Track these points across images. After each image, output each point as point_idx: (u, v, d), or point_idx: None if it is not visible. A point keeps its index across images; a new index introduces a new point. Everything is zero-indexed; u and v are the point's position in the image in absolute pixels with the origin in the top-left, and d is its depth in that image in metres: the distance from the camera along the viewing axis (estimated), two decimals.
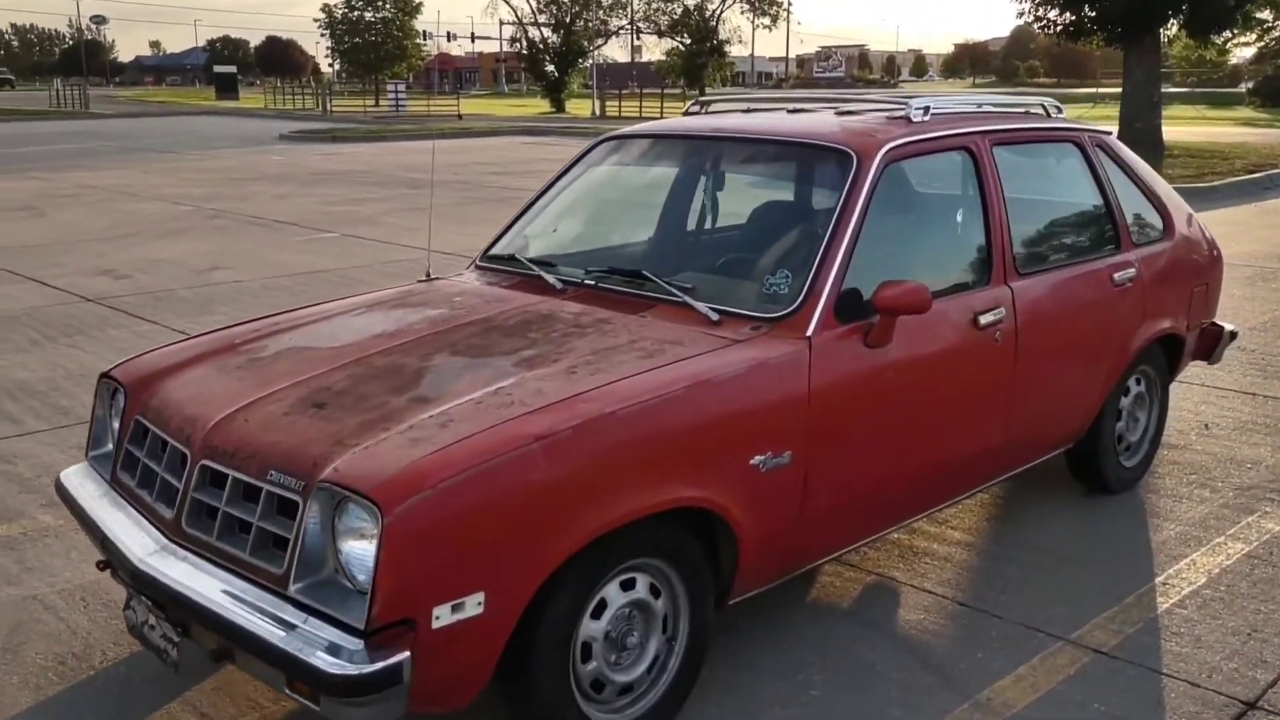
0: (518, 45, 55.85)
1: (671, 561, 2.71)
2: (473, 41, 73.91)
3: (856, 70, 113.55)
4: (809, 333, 2.94)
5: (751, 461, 2.76)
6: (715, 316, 3.02)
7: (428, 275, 3.81)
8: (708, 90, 55.34)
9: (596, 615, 2.58)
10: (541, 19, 53.13)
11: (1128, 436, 4.40)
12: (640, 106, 41.23)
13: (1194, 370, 5.88)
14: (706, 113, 4.23)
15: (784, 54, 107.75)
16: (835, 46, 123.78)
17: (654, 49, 64.97)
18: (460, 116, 38.68)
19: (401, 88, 43.22)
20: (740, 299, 3.12)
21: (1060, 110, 4.27)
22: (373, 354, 2.93)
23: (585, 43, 53.25)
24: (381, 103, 42.69)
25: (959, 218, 3.72)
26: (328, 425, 2.51)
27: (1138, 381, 4.40)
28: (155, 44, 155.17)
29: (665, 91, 45.97)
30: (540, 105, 52.37)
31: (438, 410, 2.51)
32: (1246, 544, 3.95)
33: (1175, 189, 4.82)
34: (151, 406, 2.87)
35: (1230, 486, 4.49)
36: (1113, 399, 4.19)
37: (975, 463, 3.59)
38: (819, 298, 3.00)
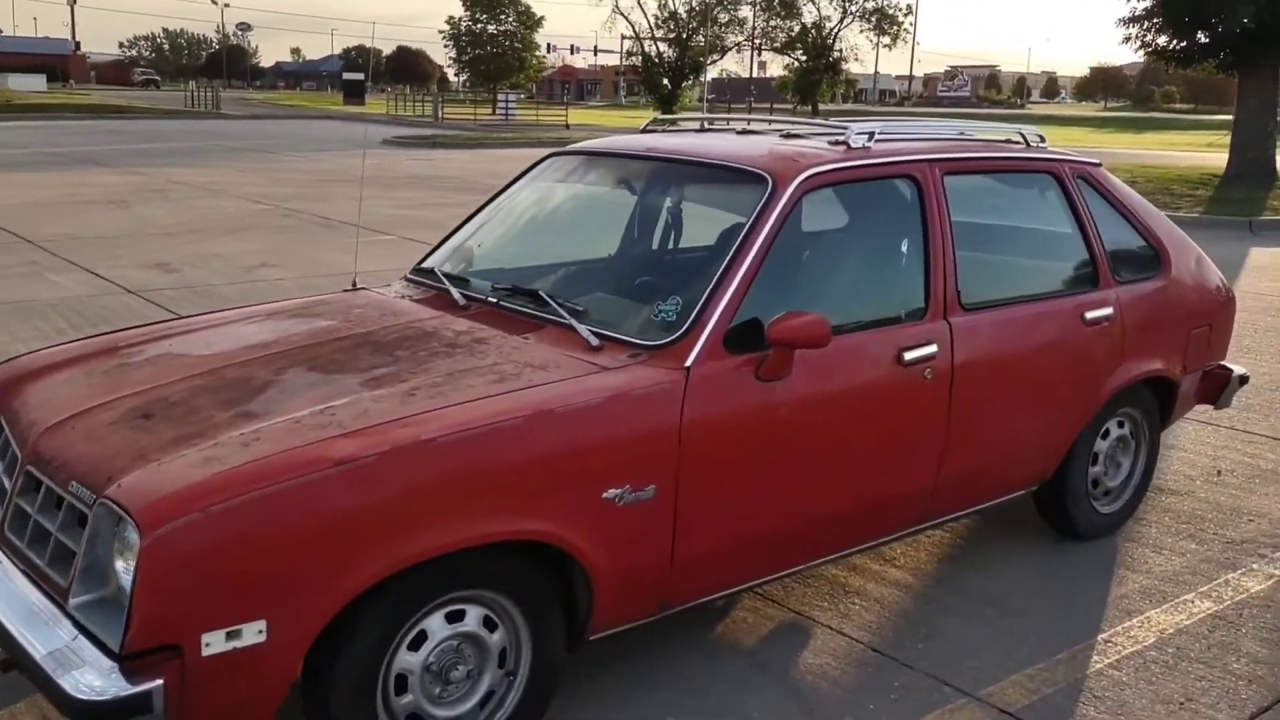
0: (636, 59, 56.24)
1: (510, 595, 2.58)
2: (595, 55, 74.63)
3: (983, 90, 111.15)
4: (688, 363, 2.78)
5: (605, 495, 2.61)
6: (596, 342, 2.88)
7: (353, 285, 3.76)
8: (821, 107, 54.85)
9: (415, 647, 2.46)
10: (659, 34, 53.45)
11: (1105, 482, 4.10)
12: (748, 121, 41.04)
13: (1225, 413, 5.52)
14: (662, 131, 4.10)
15: (908, 72, 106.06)
16: (963, 67, 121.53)
17: (777, 64, 64.68)
18: (568, 126, 39.09)
19: (512, 97, 43.85)
20: (628, 324, 2.97)
21: (1043, 140, 4.01)
22: (229, 365, 2.87)
23: (701, 58, 53.31)
24: (494, 111, 43.33)
25: (896, 249, 3.51)
26: (143, 437, 2.45)
27: (1120, 424, 4.10)
28: (295, 50, 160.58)
29: (774, 106, 45.66)
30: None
31: (251, 428, 2.43)
32: (1216, 603, 3.63)
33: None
34: (12, 407, 2.87)
35: (1221, 539, 4.15)
36: (1084, 442, 3.90)
37: (898, 504, 3.36)
38: (704, 327, 2.83)
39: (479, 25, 59.34)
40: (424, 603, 2.43)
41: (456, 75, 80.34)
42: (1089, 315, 3.75)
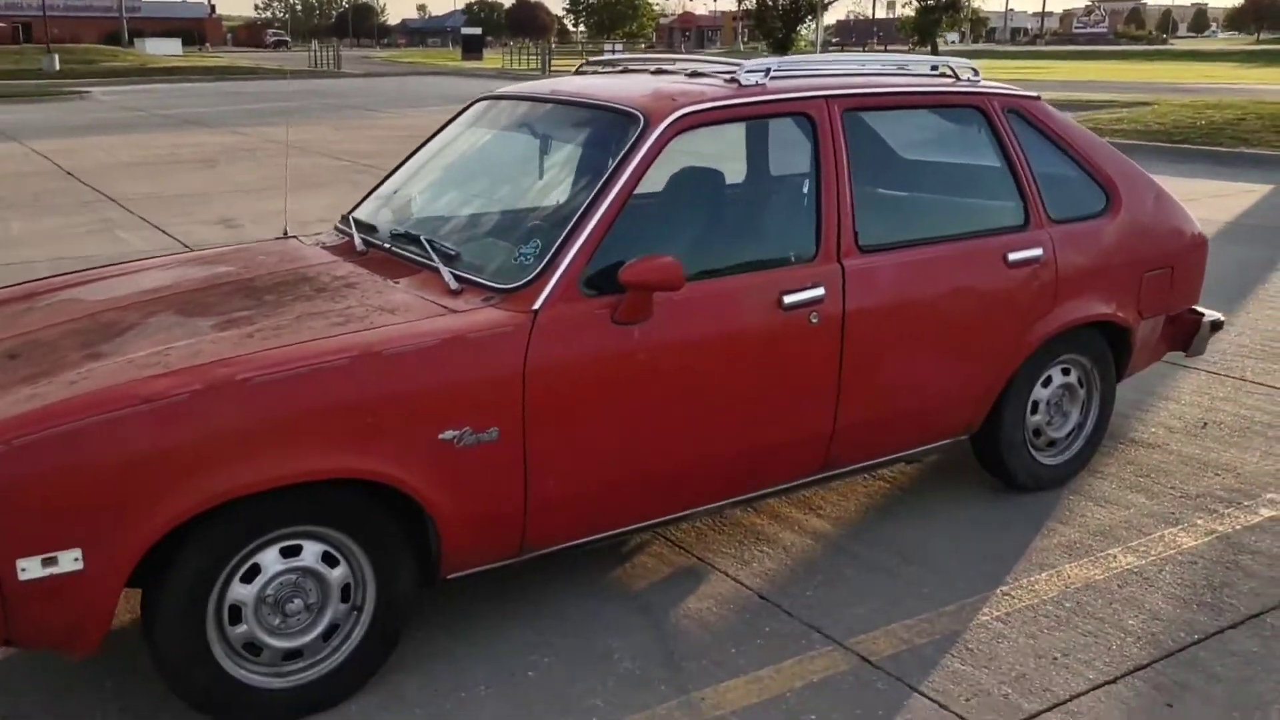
0: (751, 2, 55.39)
1: (348, 532, 2.67)
2: (714, 1, 73.61)
3: (1121, 26, 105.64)
4: (536, 305, 2.81)
5: (442, 436, 2.67)
6: (456, 285, 2.95)
7: (284, 233, 3.89)
8: (940, 48, 53.07)
9: (248, 579, 2.58)
10: None
11: (1049, 431, 3.98)
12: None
13: (1237, 364, 5.29)
14: (592, 72, 4.09)
15: (1041, 9, 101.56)
16: (1104, 1, 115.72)
17: (912, 4, 62.60)
18: None
19: (618, 46, 43.69)
20: (490, 268, 3.02)
21: (976, 74, 3.86)
22: (110, 310, 3.02)
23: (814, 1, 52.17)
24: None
25: (787, 189, 3.45)
26: (1, 377, 2.62)
27: (1065, 372, 3.96)
28: (421, 8, 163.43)
29: (888, 49, 44.44)
30: None
31: (87, 368, 2.57)
32: (1141, 558, 3.51)
33: None
34: None
35: (1175, 494, 3.99)
36: (1018, 389, 3.79)
37: (791, 450, 3.34)
38: (556, 269, 2.86)
39: None
40: (251, 537, 2.54)
41: (574, 26, 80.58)
42: (1013, 256, 3.63)
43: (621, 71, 3.97)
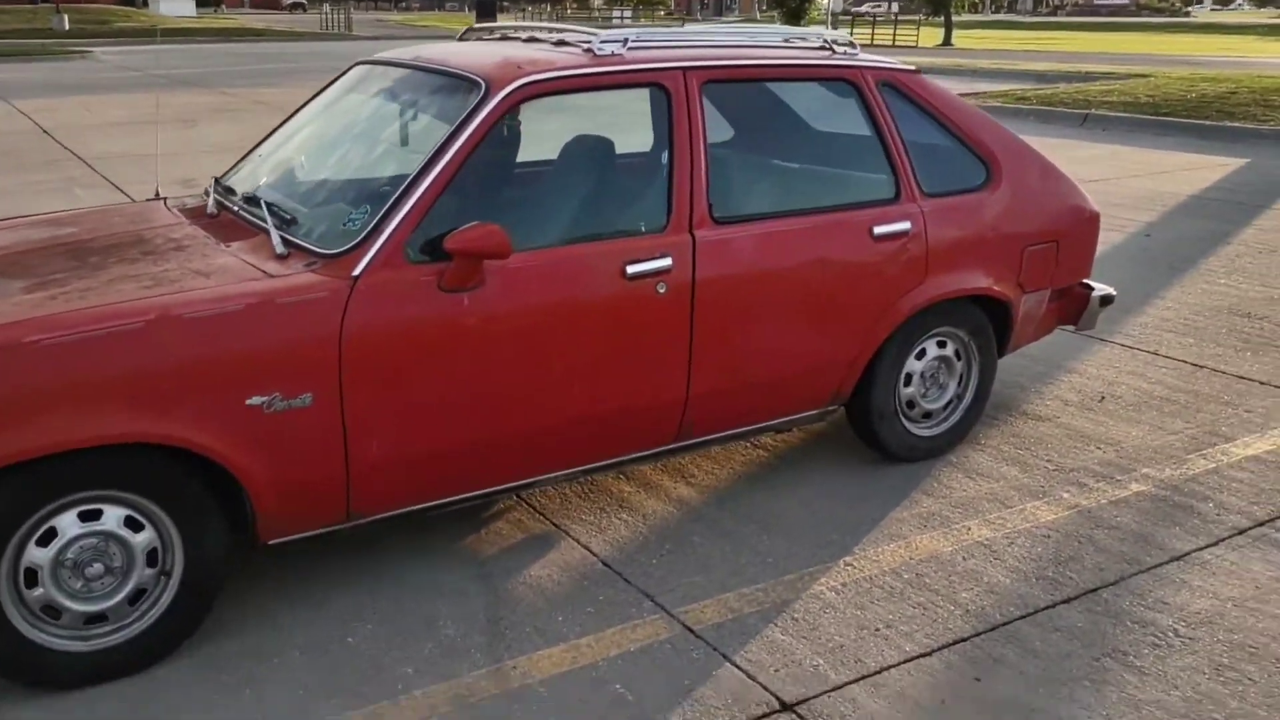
0: None
1: (152, 497, 2.68)
2: None
3: None
4: (356, 271, 2.82)
5: (250, 402, 2.68)
6: (283, 250, 2.95)
7: (156, 194, 3.90)
8: (957, 19, 52.29)
9: (44, 543, 2.59)
10: None
11: (924, 403, 3.97)
12: (872, 34, 39.87)
13: (1152, 337, 5.26)
14: (475, 39, 4.06)
15: None
16: None
17: None
18: None
19: (627, 13, 43.36)
20: (318, 232, 3.02)
21: (854, 48, 3.82)
22: None
23: None
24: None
25: (639, 160, 3.43)
26: None
27: (940, 344, 3.95)
28: None
29: (898, 19, 43.95)
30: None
31: None
32: (994, 530, 3.52)
33: None
34: None
35: (1049, 467, 3.98)
36: (888, 361, 3.78)
37: (640, 419, 3.34)
38: (379, 236, 2.86)
39: None
40: (45, 501, 2.55)
41: None
42: (879, 230, 3.61)
43: (499, 39, 3.95)
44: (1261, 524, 3.55)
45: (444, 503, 3.15)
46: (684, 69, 3.35)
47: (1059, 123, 14.24)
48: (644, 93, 3.37)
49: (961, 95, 16.66)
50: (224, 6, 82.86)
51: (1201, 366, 5.03)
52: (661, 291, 3.22)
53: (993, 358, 4.08)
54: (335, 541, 3.24)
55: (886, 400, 3.85)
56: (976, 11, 55.40)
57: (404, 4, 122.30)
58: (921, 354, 3.91)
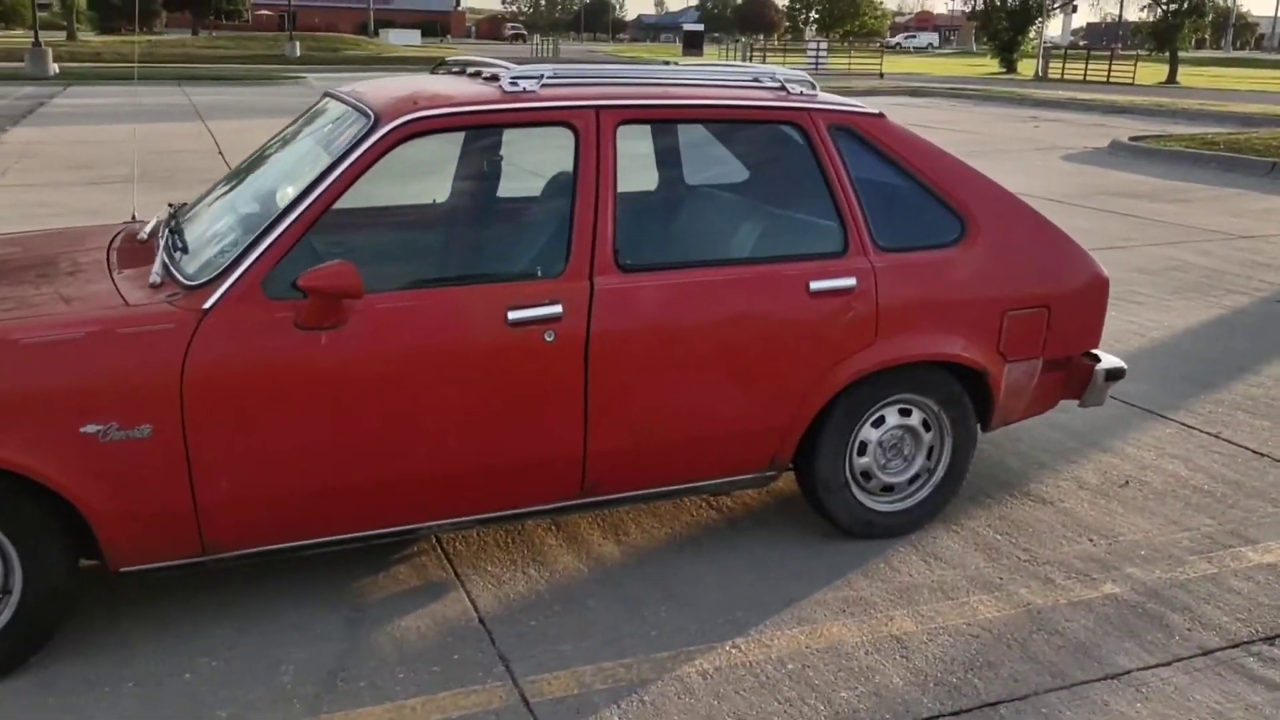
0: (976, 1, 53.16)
1: None
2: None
3: None
4: (207, 305, 2.80)
5: (84, 430, 2.68)
6: (157, 279, 2.97)
7: (133, 217, 4.02)
8: (1180, 55, 49.37)
9: None
10: None
11: (882, 476, 3.64)
12: (1085, 69, 38.18)
13: (1218, 417, 4.71)
14: (442, 74, 4.01)
15: None
16: None
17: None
18: (882, 75, 37.83)
19: (823, 45, 42.90)
20: (194, 264, 3.02)
21: (813, 88, 3.56)
22: None
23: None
24: (789, 60, 42.60)
25: (539, 201, 3.29)
26: None
27: (904, 413, 3.61)
28: (659, 3, 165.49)
29: (1117, 53, 41.83)
30: (993, 65, 49.93)
31: None
32: (920, 625, 3.17)
33: None
34: None
35: (1023, 558, 3.57)
36: (835, 427, 3.49)
37: (530, 473, 3.17)
38: (236, 270, 2.84)
39: None
40: None
41: (804, 24, 79.71)
42: (817, 285, 3.33)
43: (458, 72, 3.89)
44: (1236, 645, 3.07)
45: (313, 544, 3.08)
46: (597, 107, 3.20)
47: (1242, 170, 13.14)
48: (561, 131, 3.23)
49: (1146, 136, 15.62)
50: (449, 37, 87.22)
51: (1263, 455, 4.44)
52: (550, 340, 3.06)
53: (969, 431, 3.71)
54: (225, 573, 3.22)
55: (834, 470, 3.55)
56: (1215, 48, 52.06)
57: (620, 36, 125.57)
58: (879, 421, 3.59)
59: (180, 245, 3.16)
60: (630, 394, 3.20)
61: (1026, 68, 46.79)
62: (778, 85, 3.53)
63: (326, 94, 3.93)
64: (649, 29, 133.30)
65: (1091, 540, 3.69)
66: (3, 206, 9.34)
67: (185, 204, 3.75)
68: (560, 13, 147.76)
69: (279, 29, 75.73)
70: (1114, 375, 3.83)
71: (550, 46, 50.52)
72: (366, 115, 3.09)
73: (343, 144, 3.05)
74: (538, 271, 3.14)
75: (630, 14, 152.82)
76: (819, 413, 3.46)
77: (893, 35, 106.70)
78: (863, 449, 3.59)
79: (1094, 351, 3.86)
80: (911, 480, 3.70)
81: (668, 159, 3.52)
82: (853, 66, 40.58)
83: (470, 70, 3.66)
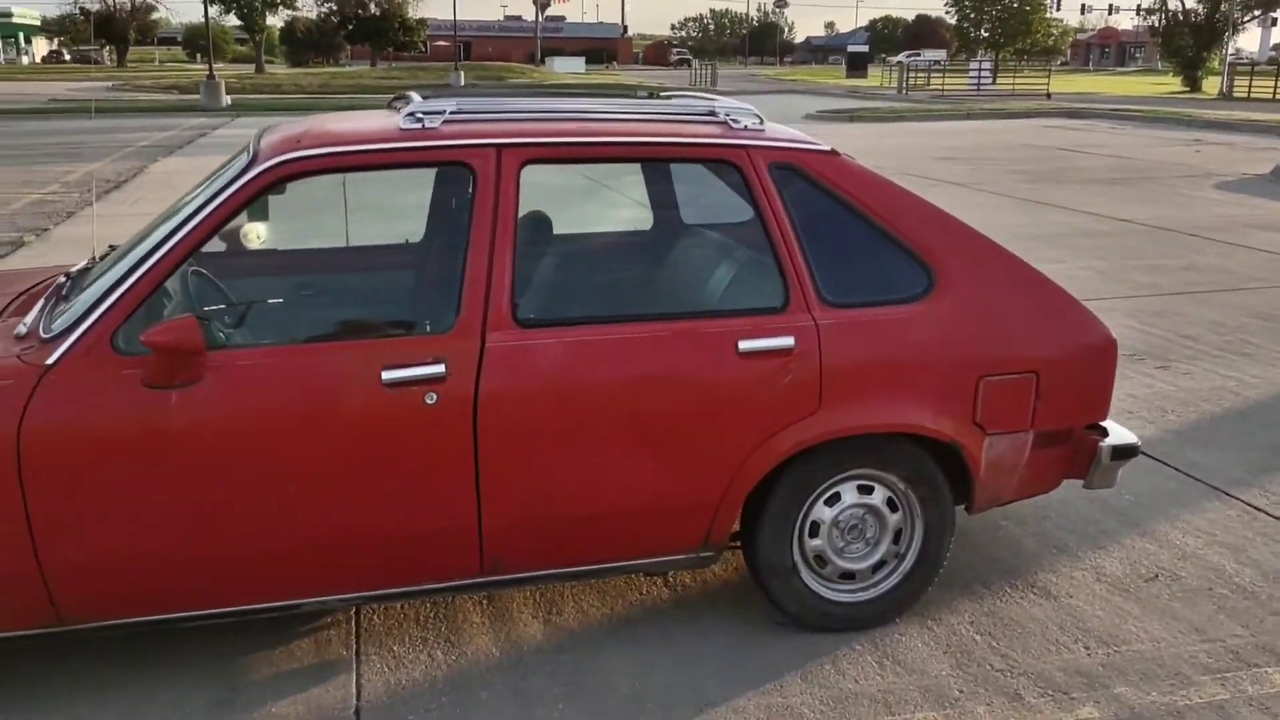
0: (1157, 17, 50.48)
1: None
2: (1110, 14, 68.16)
3: None
4: (50, 361, 2.64)
5: None
6: (23, 330, 2.84)
7: (93, 258, 3.94)
8: None
9: None
10: None
11: (839, 561, 3.21)
12: (1275, 87, 35.64)
13: None
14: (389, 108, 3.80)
15: None
16: None
17: None
18: (1049, 95, 36.25)
19: (985, 64, 41.34)
20: (60, 317, 2.86)
21: (760, 123, 3.18)
22: None
23: (1238, 14, 46.59)
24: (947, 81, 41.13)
25: (443, 250, 3.01)
26: None
27: (866, 490, 3.18)
28: (829, 25, 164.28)
29: None
30: (1175, 83, 47.34)
31: None
32: None
33: None
34: None
35: (997, 667, 3.08)
36: (782, 505, 3.09)
37: (416, 548, 2.89)
38: (84, 323, 2.68)
39: None
40: None
41: (976, 43, 77.34)
42: (747, 345, 2.95)
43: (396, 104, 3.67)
44: None
45: (182, 617, 2.88)
46: (498, 146, 2.91)
47: None
48: (460, 171, 2.96)
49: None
50: (614, 64, 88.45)
51: None
52: (431, 403, 2.78)
53: (944, 512, 3.23)
54: (110, 641, 3.06)
55: (778, 553, 3.14)
56: None
57: (788, 59, 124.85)
58: (834, 499, 3.17)
59: (65, 295, 3.03)
60: (529, 463, 2.88)
61: (1212, 86, 44.21)
62: (719, 119, 3.17)
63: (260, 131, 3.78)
64: (817, 51, 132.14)
65: (1087, 648, 3.17)
66: (117, 235, 9.72)
67: (113, 248, 3.64)
68: (729, 36, 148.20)
69: (455, 58, 78.55)
70: (1123, 453, 3.29)
71: (710, 71, 50.38)
72: (252, 157, 2.89)
73: (215, 187, 2.86)
74: (426, 326, 2.87)
75: (799, 36, 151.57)
76: (757, 488, 3.07)
77: (1072, 54, 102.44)
78: (814, 530, 3.17)
79: (1102, 425, 3.33)
80: (876, 567, 3.26)
81: (580, 201, 3.21)
82: (1017, 87, 38.99)
83: (396, 103, 3.44)
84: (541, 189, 3.31)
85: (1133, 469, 4.42)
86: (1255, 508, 4.10)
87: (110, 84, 43.31)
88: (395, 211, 3.46)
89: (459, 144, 2.91)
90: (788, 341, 2.97)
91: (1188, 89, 45.09)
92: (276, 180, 2.81)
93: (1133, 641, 3.20)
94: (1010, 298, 3.18)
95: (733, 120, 3.15)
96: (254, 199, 2.80)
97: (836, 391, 3.01)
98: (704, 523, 3.07)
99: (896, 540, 3.25)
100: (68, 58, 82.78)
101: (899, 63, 47.95)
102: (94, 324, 2.66)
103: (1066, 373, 3.21)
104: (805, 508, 3.14)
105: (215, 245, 3.55)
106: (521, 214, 3.44)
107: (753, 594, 3.37)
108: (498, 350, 2.82)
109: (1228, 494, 4.22)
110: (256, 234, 3.83)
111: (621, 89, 3.75)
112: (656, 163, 3.15)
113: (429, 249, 3.14)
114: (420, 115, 2.96)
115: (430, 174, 2.98)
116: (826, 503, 3.16)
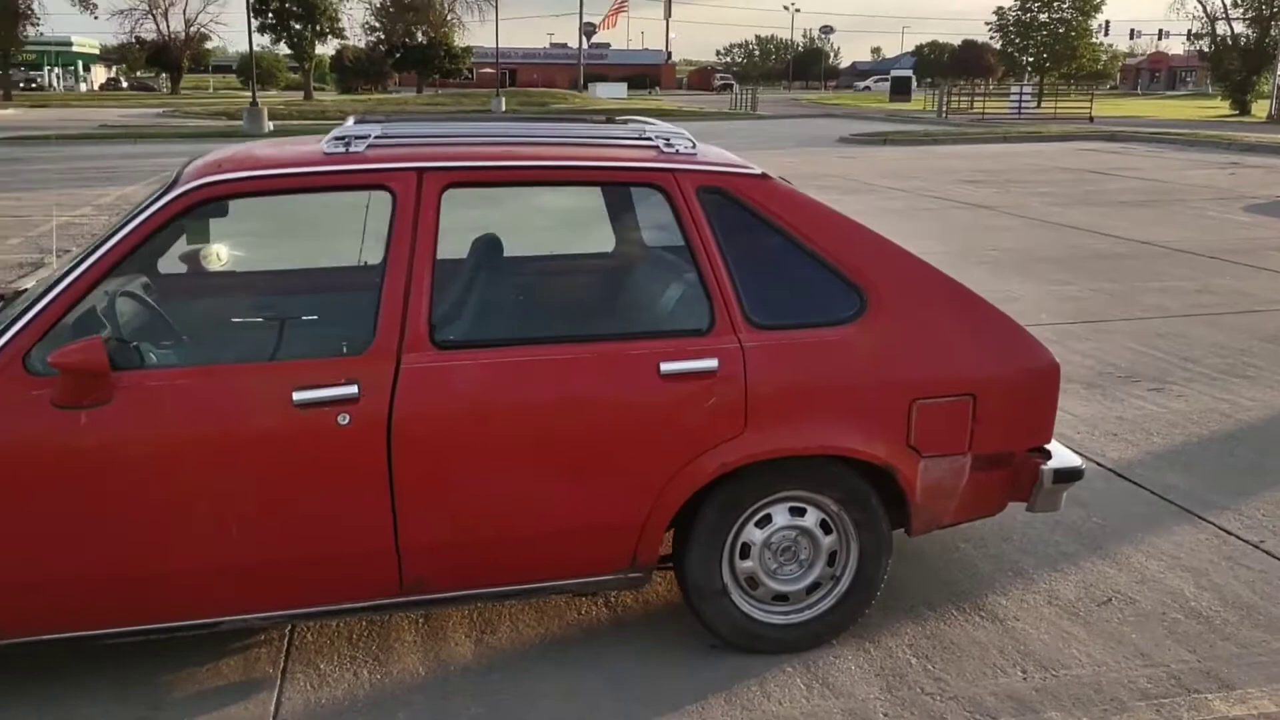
0: (1205, 42, 49.86)
1: None
2: (1160, 39, 67.29)
3: None
4: None
5: None
6: None
7: None
8: None
9: None
10: (1235, 13, 46.91)
11: (771, 583, 3.17)
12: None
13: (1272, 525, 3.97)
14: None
15: None
16: None
17: None
18: (1092, 119, 35.82)
19: (1027, 88, 40.99)
20: None
21: (692, 146, 3.16)
22: None
23: None
24: (989, 104, 40.77)
25: (360, 274, 3.02)
26: None
27: (798, 512, 3.14)
28: (876, 50, 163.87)
29: None
30: (1224, 107, 46.70)
31: None
32: None
33: None
34: None
35: (927, 690, 3.01)
36: (710, 526, 3.06)
37: (334, 568, 2.90)
38: (2, 338, 2.73)
39: (1029, 15, 56.26)
40: None
41: (1023, 68, 76.86)
42: (669, 367, 2.93)
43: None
44: None
45: (103, 634, 2.90)
46: (419, 170, 2.93)
47: None
48: (382, 194, 2.98)
49: None
50: (658, 89, 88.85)
51: None
52: (344, 424, 2.79)
53: (880, 535, 3.18)
54: (47, 658, 3.08)
55: (707, 574, 3.11)
56: None
57: (833, 84, 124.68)
58: (765, 521, 3.13)
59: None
60: (447, 484, 2.88)
61: (1261, 109, 43.55)
62: (651, 144, 3.16)
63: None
64: (864, 75, 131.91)
65: (1025, 672, 3.09)
66: None
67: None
68: (774, 61, 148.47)
69: (500, 85, 79.40)
70: (1066, 476, 3.22)
71: (750, 97, 50.37)
72: (170, 182, 2.93)
73: (136, 211, 2.89)
74: (342, 348, 2.88)
75: (845, 61, 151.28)
76: (684, 509, 3.04)
77: (1121, 78, 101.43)
78: (745, 551, 3.13)
79: (1046, 447, 3.27)
80: (810, 589, 3.21)
81: (506, 225, 3.21)
82: (1059, 110, 38.59)
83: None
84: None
85: (1106, 492, 4.35)
86: (1226, 531, 3.99)
87: (161, 110, 44.21)
88: (351, 235, 3.49)
89: (380, 167, 2.93)
90: (711, 364, 2.94)
91: (1236, 112, 44.54)
92: (195, 204, 2.84)
93: (1073, 666, 3.12)
94: (945, 321, 3.13)
95: (665, 144, 3.14)
96: (171, 221, 2.83)
97: (763, 414, 2.97)
98: (629, 544, 3.04)
99: (831, 562, 3.20)
100: (125, 85, 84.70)
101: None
102: (6, 345, 2.69)
103: (1005, 396, 3.15)
104: (735, 529, 3.11)
105: (173, 266, 3.64)
106: (475, 236, 3.48)
107: (681, 618, 3.33)
108: (413, 372, 2.82)
109: (1200, 517, 4.11)
110: (217, 255, 3.89)
111: (579, 115, 3.74)
112: (582, 186, 3.14)
113: (353, 272, 3.17)
114: (346, 139, 2.98)
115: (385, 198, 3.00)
116: (757, 524, 3.13)
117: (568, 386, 2.91)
